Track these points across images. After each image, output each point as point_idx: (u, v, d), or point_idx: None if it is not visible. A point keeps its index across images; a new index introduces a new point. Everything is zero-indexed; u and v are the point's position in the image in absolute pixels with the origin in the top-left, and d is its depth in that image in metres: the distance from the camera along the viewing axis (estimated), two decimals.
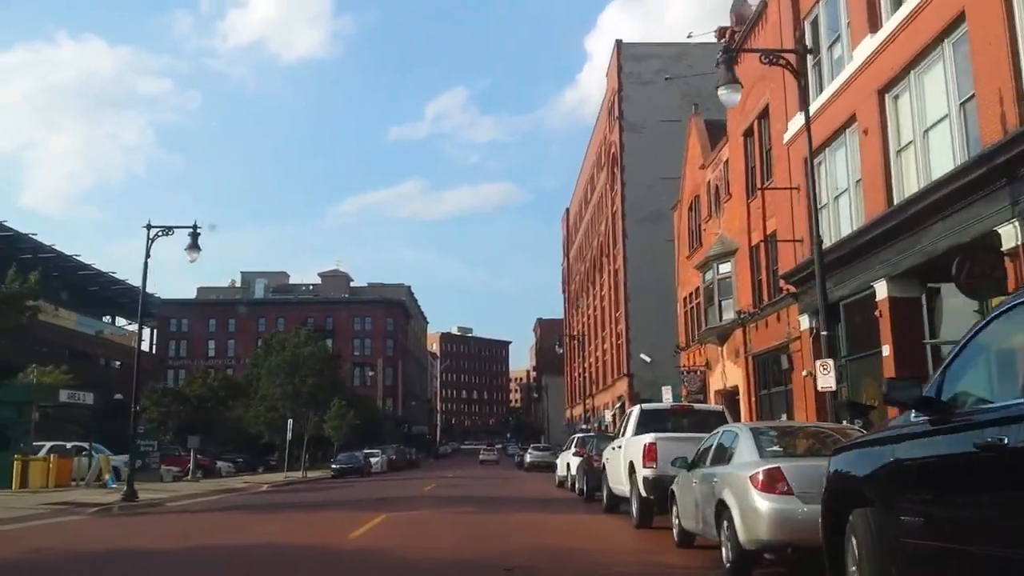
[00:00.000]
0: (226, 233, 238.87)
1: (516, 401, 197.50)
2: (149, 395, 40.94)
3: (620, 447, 14.09)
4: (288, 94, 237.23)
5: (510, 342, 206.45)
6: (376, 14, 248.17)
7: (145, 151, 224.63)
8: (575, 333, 72.09)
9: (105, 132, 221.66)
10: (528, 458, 48.65)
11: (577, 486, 21.44)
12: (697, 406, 17.60)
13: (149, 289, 22.28)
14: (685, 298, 30.78)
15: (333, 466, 39.30)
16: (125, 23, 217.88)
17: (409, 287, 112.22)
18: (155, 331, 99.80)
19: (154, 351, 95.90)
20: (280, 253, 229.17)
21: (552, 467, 48.52)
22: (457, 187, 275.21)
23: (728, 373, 24.85)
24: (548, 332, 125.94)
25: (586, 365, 64.52)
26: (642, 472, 11.98)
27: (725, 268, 24.95)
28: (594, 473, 17.88)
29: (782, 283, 19.78)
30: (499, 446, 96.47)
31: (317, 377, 51.22)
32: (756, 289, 23.07)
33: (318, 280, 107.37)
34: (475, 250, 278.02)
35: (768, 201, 21.21)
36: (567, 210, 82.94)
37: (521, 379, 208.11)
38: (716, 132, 27.30)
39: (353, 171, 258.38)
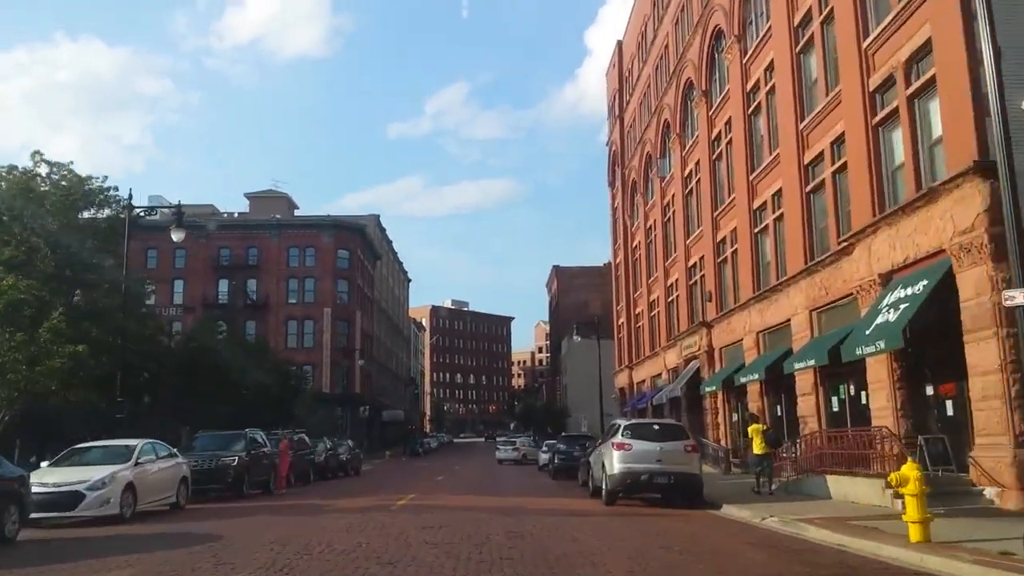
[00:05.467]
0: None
1: (519, 387, 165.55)
2: None
3: None
4: (287, 92, 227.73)
5: (512, 318, 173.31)
6: (374, 11, 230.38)
7: (144, 150, 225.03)
8: (649, 226, 40.22)
9: (104, 132, 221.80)
10: (617, 465, 16.58)
11: None
12: None
13: None
14: None
15: None
16: (123, 23, 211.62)
17: (378, 216, 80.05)
18: None
19: None
20: None
21: (690, 484, 15.40)
22: (457, 183, 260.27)
23: None
24: (568, 285, 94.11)
25: (717, 238, 32.34)
26: None
27: None
28: None
29: None
30: (501, 438, 63.17)
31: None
32: None
33: (246, 208, 75.07)
34: (476, 244, 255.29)
35: None
36: (618, 46, 50.77)
37: (525, 362, 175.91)
38: None
39: (351, 168, 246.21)
